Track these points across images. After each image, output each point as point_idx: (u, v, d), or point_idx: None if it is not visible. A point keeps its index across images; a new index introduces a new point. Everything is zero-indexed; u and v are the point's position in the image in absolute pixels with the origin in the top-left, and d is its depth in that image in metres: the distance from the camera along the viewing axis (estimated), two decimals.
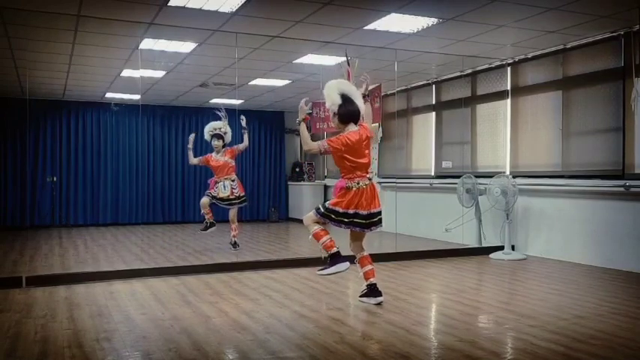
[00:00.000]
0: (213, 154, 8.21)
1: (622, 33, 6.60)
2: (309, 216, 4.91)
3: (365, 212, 4.69)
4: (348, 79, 5.00)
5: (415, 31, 6.70)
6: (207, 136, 8.25)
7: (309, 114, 4.91)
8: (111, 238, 9.96)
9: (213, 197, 8.09)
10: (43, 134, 11.92)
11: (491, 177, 7.84)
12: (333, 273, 4.78)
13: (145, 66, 8.25)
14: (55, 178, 11.95)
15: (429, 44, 7.38)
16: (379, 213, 4.78)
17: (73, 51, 7.55)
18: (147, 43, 7.23)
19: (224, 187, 8.05)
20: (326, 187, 13.10)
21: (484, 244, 8.19)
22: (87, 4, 5.66)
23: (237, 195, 8.15)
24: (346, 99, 4.80)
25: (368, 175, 4.77)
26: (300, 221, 12.37)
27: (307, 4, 5.73)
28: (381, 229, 4.90)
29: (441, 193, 9.34)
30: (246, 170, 13.39)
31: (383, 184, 10.87)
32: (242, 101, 11.64)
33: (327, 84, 4.94)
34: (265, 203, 13.55)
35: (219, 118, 8.28)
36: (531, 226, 7.76)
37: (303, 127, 4.86)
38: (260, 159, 13.57)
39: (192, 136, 8.25)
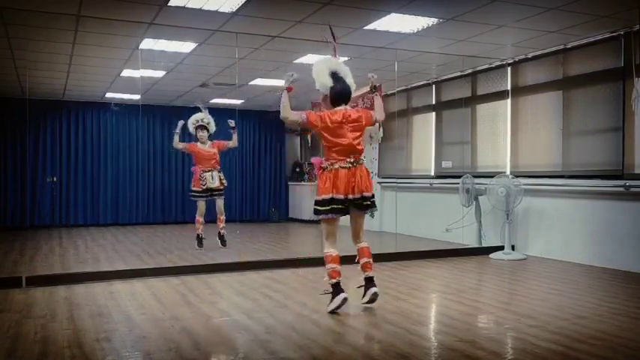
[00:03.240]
0: (199, 144, 8.27)
1: (622, 33, 6.60)
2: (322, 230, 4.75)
3: (342, 197, 4.52)
4: (334, 55, 4.84)
5: (415, 31, 6.70)
6: (191, 129, 8.30)
7: (292, 82, 4.73)
8: (111, 238, 9.96)
9: (203, 192, 8.11)
10: (43, 134, 11.92)
11: (491, 177, 7.83)
12: (335, 307, 4.50)
13: (145, 66, 8.25)
14: (55, 178, 11.95)
15: (429, 44, 7.38)
16: (366, 198, 4.60)
17: (73, 51, 7.55)
18: (147, 43, 7.23)
19: (212, 177, 8.13)
20: None
21: (484, 244, 8.19)
22: (87, 4, 5.66)
23: (225, 185, 8.29)
24: (337, 78, 4.65)
25: (349, 159, 4.56)
26: (301, 221, 12.43)
27: (307, 4, 5.73)
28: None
29: (441, 193, 9.34)
30: (246, 170, 13.40)
31: (383, 184, 10.89)
32: (242, 101, 11.64)
33: (315, 64, 4.76)
34: (265, 203, 13.55)
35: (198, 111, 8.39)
36: (531, 226, 7.76)
37: (285, 95, 4.63)
38: (260, 159, 13.57)
39: (181, 123, 8.31)
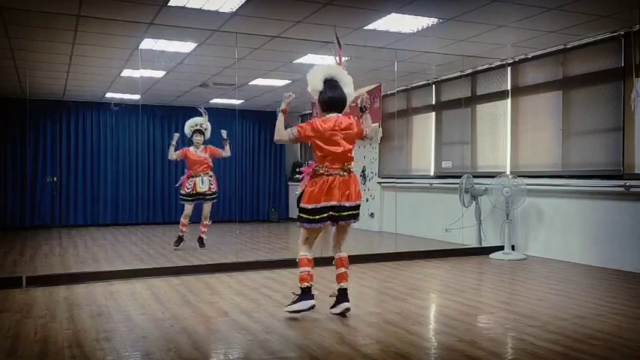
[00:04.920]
0: (192, 148, 8.30)
1: (622, 33, 6.60)
2: (301, 234, 4.59)
3: (336, 203, 4.38)
4: (339, 62, 4.73)
5: (415, 31, 6.70)
6: (188, 131, 8.34)
7: (289, 104, 4.68)
8: (111, 238, 9.96)
9: (189, 195, 8.13)
10: (43, 134, 11.92)
11: (491, 177, 7.83)
12: (296, 311, 4.37)
13: (145, 66, 8.25)
14: (55, 178, 11.96)
15: (429, 44, 7.38)
16: (355, 207, 4.48)
17: (73, 51, 7.56)
18: (147, 43, 7.23)
19: (202, 181, 8.15)
20: None
21: (484, 244, 8.20)
22: (87, 4, 5.66)
23: (213, 190, 8.29)
24: (331, 85, 4.52)
25: (343, 168, 4.43)
26: None
27: (307, 4, 5.73)
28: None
29: (441, 193, 9.34)
30: (246, 170, 13.40)
31: (383, 184, 10.89)
32: (242, 101, 11.64)
33: (313, 67, 4.66)
34: (265, 203, 13.56)
35: (199, 114, 8.41)
36: (531, 226, 7.76)
37: (280, 117, 4.55)
38: (260, 159, 13.58)
39: (177, 135, 8.42)
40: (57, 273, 6.26)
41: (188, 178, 8.21)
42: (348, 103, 4.64)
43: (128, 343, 3.78)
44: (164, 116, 12.57)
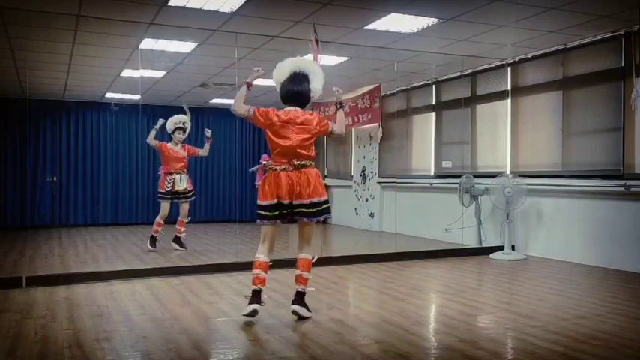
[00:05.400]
0: (170, 144, 8.20)
1: (622, 33, 6.60)
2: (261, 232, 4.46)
3: (286, 202, 4.26)
4: (315, 57, 4.65)
5: (415, 31, 6.70)
6: (170, 127, 8.21)
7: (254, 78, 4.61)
8: (111, 238, 9.96)
9: (169, 194, 8.02)
10: (43, 134, 11.92)
11: (491, 177, 7.83)
12: (244, 314, 4.24)
13: (145, 66, 8.25)
14: (55, 178, 11.95)
15: (429, 44, 7.38)
16: (309, 205, 4.30)
17: (73, 51, 7.56)
18: (147, 43, 7.23)
19: (180, 180, 8.07)
20: (326, 188, 13.07)
21: (484, 244, 8.19)
22: (87, 4, 5.66)
23: (190, 189, 8.23)
24: (297, 78, 4.43)
25: (291, 162, 4.28)
26: None
27: (307, 4, 5.73)
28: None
29: (441, 193, 9.34)
30: (246, 170, 13.38)
31: (383, 184, 10.89)
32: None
33: (285, 60, 4.58)
34: None
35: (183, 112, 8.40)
36: (531, 226, 7.76)
37: (242, 88, 4.49)
38: (260, 159, 13.54)
39: (161, 121, 8.23)
40: (57, 273, 6.25)
41: (166, 175, 8.08)
42: (314, 98, 4.54)
43: (128, 343, 3.78)
44: (164, 116, 12.48)
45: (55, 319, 4.38)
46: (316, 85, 4.48)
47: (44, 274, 6.18)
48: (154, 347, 3.67)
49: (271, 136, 4.38)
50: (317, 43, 4.69)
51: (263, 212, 4.34)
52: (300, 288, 4.42)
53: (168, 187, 8.04)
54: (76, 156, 12.17)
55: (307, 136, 4.38)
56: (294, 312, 4.36)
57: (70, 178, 12.11)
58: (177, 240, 8.18)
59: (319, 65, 4.59)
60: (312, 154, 4.46)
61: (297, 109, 4.45)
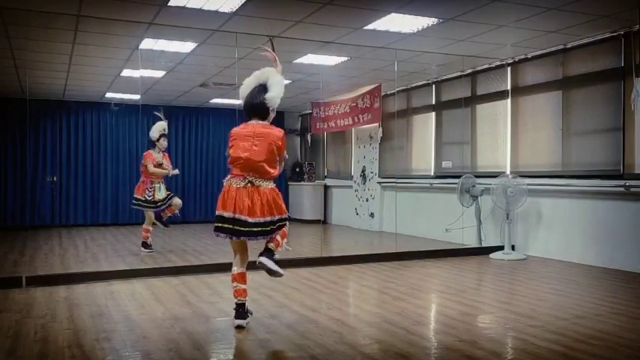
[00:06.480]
0: (153, 153, 8.01)
1: (622, 33, 6.60)
2: None
3: (229, 215, 4.06)
4: (275, 65, 4.44)
5: (415, 31, 6.70)
6: (155, 135, 8.02)
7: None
8: (111, 238, 9.96)
9: (152, 202, 7.86)
10: (43, 134, 11.93)
11: (491, 177, 7.83)
12: (235, 326, 4.12)
13: (145, 66, 8.25)
14: (55, 178, 11.96)
15: (429, 44, 7.38)
16: (258, 224, 4.06)
17: (73, 51, 7.56)
18: (147, 43, 7.23)
19: (159, 189, 7.90)
20: (326, 188, 13.11)
21: (484, 244, 8.20)
22: (87, 4, 5.66)
23: (163, 198, 7.96)
24: (253, 91, 4.35)
25: (246, 177, 4.11)
26: (301, 221, 12.43)
27: (307, 4, 5.73)
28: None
29: (441, 193, 9.34)
30: None
31: (383, 184, 10.89)
32: (242, 101, 11.63)
33: (253, 73, 4.46)
34: None
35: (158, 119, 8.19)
36: (531, 226, 7.76)
37: None
38: None
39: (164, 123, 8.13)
40: (57, 273, 6.25)
41: (148, 183, 7.87)
42: (272, 107, 4.36)
43: (128, 343, 3.78)
44: (164, 116, 12.54)
45: (55, 319, 4.38)
46: (271, 94, 4.30)
47: (44, 274, 6.18)
48: (154, 347, 3.67)
49: (231, 148, 4.25)
50: (274, 50, 4.57)
51: (216, 224, 4.17)
52: (270, 246, 4.20)
53: (149, 197, 7.85)
54: (76, 156, 12.18)
55: (266, 149, 4.20)
56: (259, 264, 4.12)
57: (70, 178, 12.12)
58: (162, 220, 8.05)
59: (280, 74, 4.44)
60: (272, 172, 4.24)
61: (258, 122, 4.33)
